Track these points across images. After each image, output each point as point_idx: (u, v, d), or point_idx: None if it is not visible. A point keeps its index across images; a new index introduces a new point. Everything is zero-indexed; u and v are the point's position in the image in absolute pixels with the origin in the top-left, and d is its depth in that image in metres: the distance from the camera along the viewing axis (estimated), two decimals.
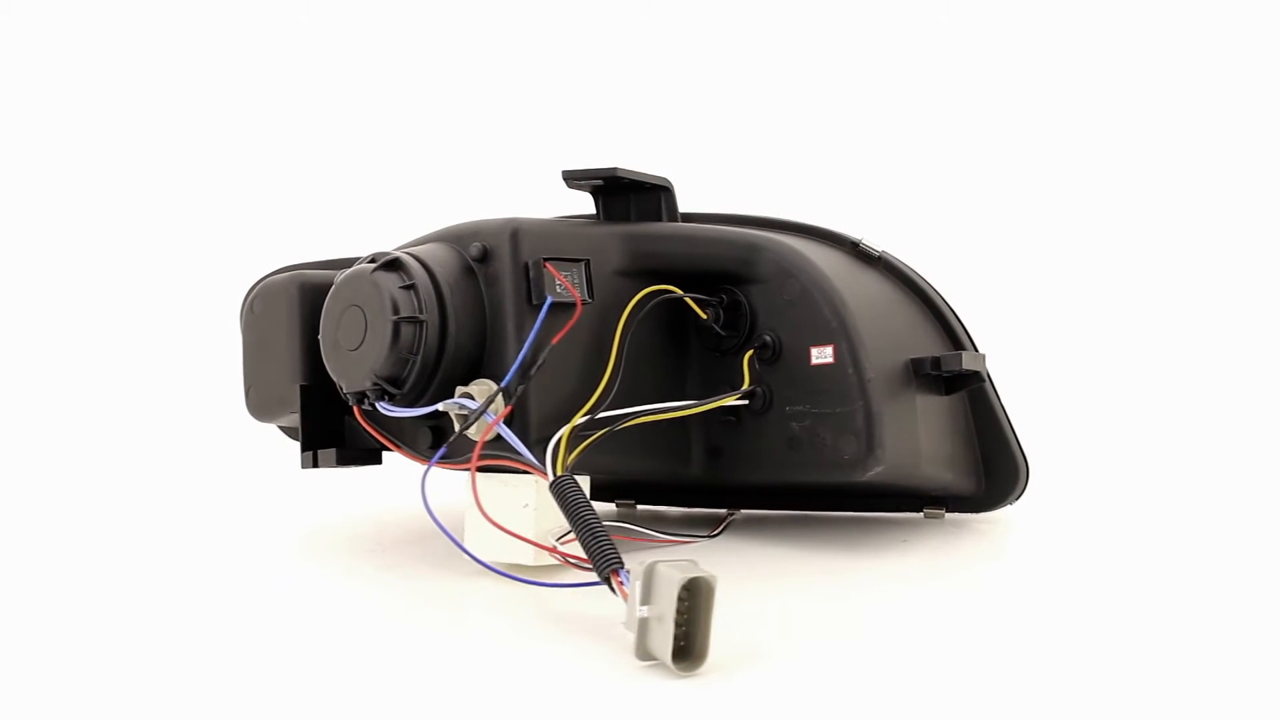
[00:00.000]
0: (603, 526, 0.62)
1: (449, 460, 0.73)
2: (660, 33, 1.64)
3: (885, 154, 1.58)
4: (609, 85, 1.62)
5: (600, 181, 0.80)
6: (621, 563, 0.60)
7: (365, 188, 1.62)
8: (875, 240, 0.83)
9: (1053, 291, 1.52)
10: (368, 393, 0.73)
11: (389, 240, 0.80)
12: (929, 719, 0.51)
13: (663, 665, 0.55)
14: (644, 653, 0.56)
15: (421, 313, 0.72)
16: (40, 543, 0.96)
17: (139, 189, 1.68)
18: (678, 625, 0.55)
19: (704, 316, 0.78)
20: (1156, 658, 0.58)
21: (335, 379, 0.76)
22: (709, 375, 0.80)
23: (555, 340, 0.72)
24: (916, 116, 1.60)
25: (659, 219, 0.82)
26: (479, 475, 0.72)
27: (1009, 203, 1.56)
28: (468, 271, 0.74)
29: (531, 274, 0.73)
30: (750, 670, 0.56)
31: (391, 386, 0.72)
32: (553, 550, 0.71)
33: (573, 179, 0.81)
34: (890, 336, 0.76)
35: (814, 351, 0.74)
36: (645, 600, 0.56)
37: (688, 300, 0.78)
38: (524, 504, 0.72)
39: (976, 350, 0.81)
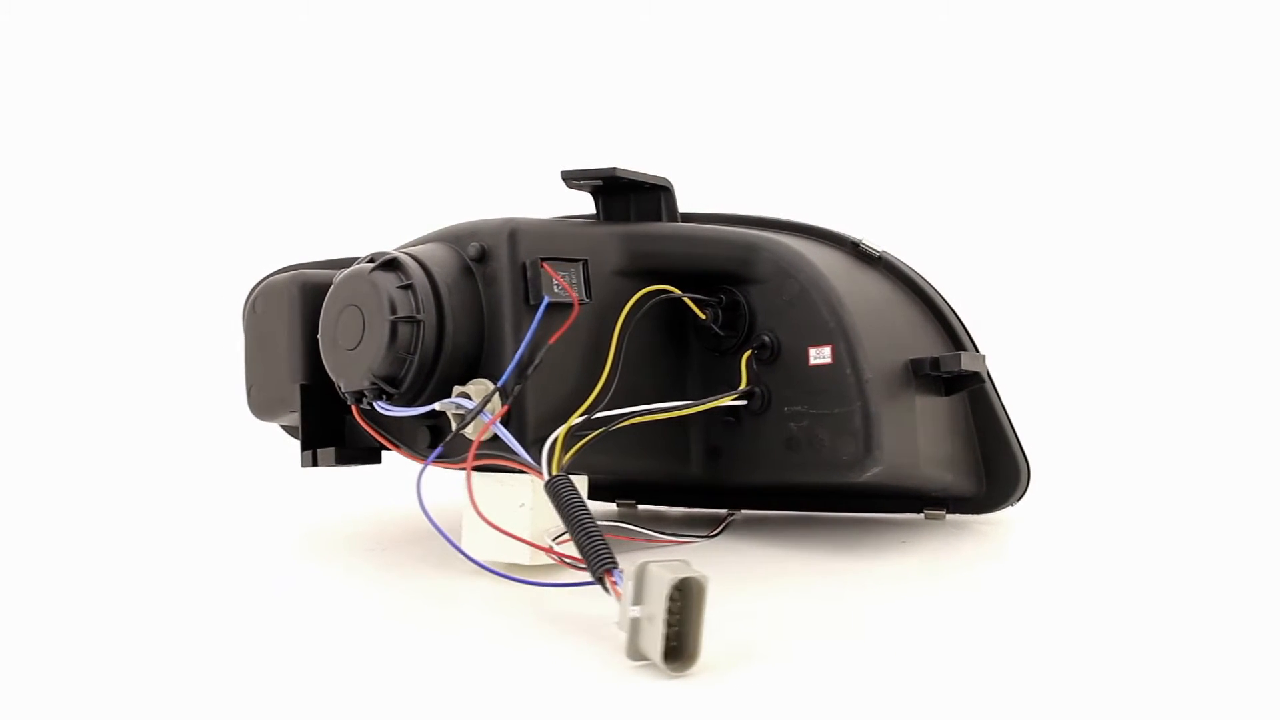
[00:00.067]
0: (597, 526, 0.62)
1: (446, 459, 0.73)
2: (660, 33, 1.64)
3: (885, 154, 1.57)
4: (609, 85, 1.62)
5: (599, 181, 0.80)
6: (615, 563, 0.60)
7: (365, 188, 1.62)
8: (875, 240, 0.82)
9: (1053, 292, 1.52)
10: (365, 392, 0.73)
11: (389, 240, 0.80)
12: (923, 719, 0.51)
13: (654, 665, 0.55)
14: (636, 652, 0.56)
15: (419, 312, 0.72)
16: (41, 542, 0.97)
17: (141, 190, 1.68)
18: (669, 625, 0.54)
19: (703, 316, 0.78)
20: (1157, 658, 0.58)
21: (333, 378, 0.76)
22: (708, 375, 0.79)
23: (552, 340, 0.72)
24: (916, 117, 1.59)
25: (659, 219, 0.81)
26: (476, 475, 0.72)
27: (1009, 203, 1.56)
28: (466, 271, 0.74)
29: (529, 274, 0.73)
30: (742, 670, 0.56)
31: (389, 386, 0.72)
32: (549, 550, 0.71)
33: (572, 179, 0.81)
34: (889, 337, 0.76)
35: (812, 352, 0.74)
36: (637, 600, 0.56)
37: (686, 300, 0.78)
38: (520, 504, 0.72)
39: (977, 351, 0.81)
